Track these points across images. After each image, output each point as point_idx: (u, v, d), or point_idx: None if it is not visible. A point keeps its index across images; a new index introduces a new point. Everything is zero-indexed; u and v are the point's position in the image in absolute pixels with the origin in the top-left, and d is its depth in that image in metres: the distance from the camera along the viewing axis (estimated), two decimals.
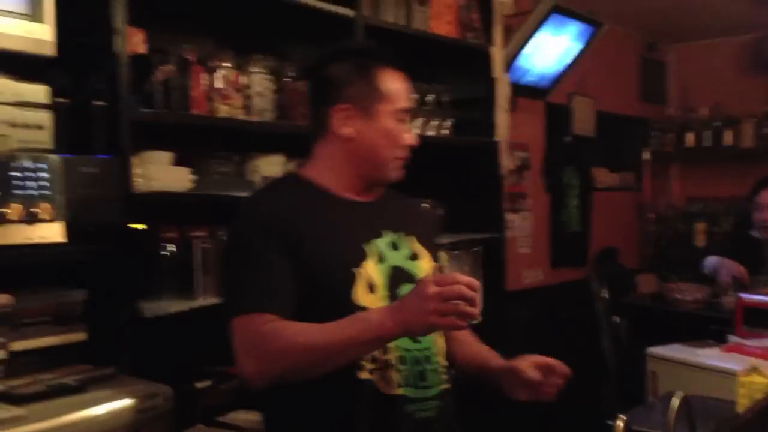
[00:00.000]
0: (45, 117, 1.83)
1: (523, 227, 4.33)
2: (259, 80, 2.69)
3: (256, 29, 2.83)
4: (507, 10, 3.72)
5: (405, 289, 1.60)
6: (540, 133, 4.56)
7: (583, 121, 4.87)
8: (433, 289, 1.34)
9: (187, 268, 2.39)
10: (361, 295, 1.55)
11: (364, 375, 1.53)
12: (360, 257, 1.59)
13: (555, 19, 4.14)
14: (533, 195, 4.43)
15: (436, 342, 1.67)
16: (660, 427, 1.77)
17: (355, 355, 1.46)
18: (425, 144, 3.18)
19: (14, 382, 1.67)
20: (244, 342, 1.48)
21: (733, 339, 3.40)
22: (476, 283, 1.36)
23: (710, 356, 3.28)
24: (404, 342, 1.56)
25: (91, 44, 2.07)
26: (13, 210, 1.66)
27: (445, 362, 1.69)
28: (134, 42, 2.29)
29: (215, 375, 2.50)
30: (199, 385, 2.44)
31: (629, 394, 3.74)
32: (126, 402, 1.66)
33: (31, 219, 1.69)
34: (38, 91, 1.86)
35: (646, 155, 5.39)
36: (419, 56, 3.36)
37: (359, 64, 1.68)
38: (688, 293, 4.16)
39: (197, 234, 2.45)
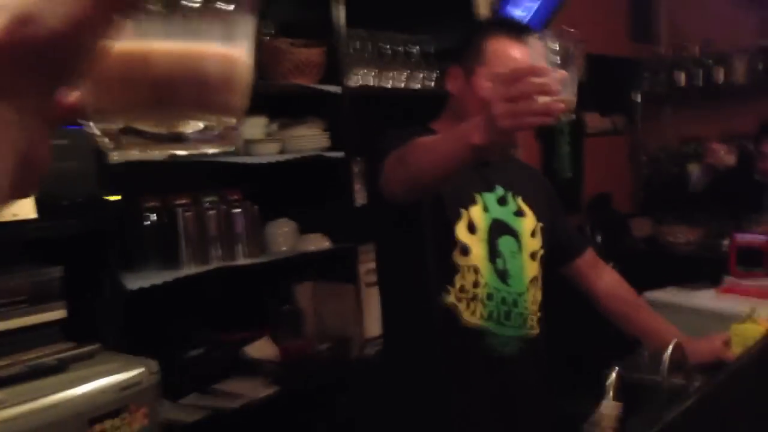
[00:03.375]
0: None
1: None
2: None
3: None
4: None
5: (503, 239, 1.75)
6: None
7: None
8: (494, 92, 1.25)
9: (171, 238, 2.35)
10: (462, 231, 1.69)
11: (449, 299, 1.67)
12: (469, 201, 1.72)
13: None
14: (523, 143, 4.36)
15: (529, 289, 1.77)
16: (654, 374, 1.76)
17: (453, 160, 1.40)
18: (410, 96, 3.16)
19: None
20: (393, 162, 1.54)
21: (729, 280, 3.39)
22: (542, 69, 1.21)
23: (706, 298, 3.27)
24: (494, 281, 1.71)
25: None
26: None
27: (536, 310, 1.79)
28: None
29: (207, 343, 2.48)
30: (192, 353, 2.42)
31: (625, 339, 3.73)
32: (109, 379, 1.63)
33: None
34: None
35: (637, 97, 5.31)
36: (401, 7, 3.28)
37: (477, 30, 1.83)
38: (681, 236, 4.13)
39: (180, 202, 2.40)
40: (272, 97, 2.70)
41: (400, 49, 3.16)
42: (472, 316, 1.69)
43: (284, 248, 2.67)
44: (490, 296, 1.71)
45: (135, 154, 0.40)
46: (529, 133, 4.45)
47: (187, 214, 2.38)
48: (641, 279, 3.82)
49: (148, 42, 0.37)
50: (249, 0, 0.40)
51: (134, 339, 2.02)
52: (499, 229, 1.76)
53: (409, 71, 3.17)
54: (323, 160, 2.72)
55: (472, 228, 1.72)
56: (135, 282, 2.12)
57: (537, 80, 1.19)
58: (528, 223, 1.83)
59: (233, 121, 0.40)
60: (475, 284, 1.70)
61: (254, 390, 2.32)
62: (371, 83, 3.03)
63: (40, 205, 1.72)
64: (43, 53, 0.31)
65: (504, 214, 1.79)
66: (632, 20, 5.38)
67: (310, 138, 2.71)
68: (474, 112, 1.71)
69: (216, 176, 2.54)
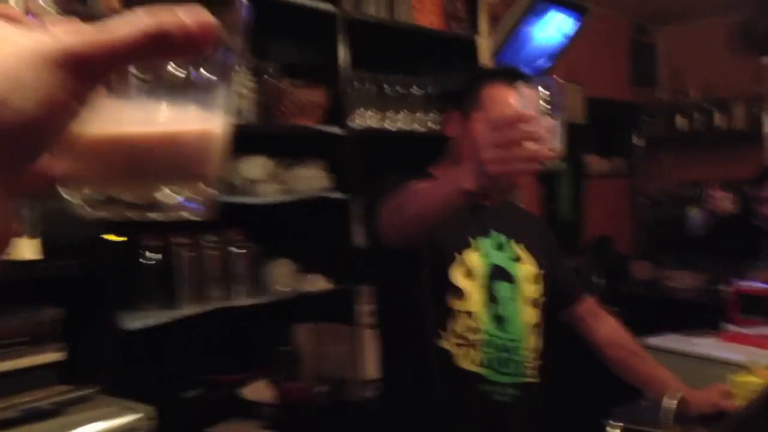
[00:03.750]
0: None
1: None
2: (240, 80, 2.63)
3: None
4: None
5: (501, 285, 1.75)
6: None
7: (573, 108, 4.81)
8: (483, 138, 1.25)
9: (169, 278, 2.34)
10: (459, 276, 1.70)
11: (444, 344, 1.67)
12: (464, 245, 1.73)
13: (539, 6, 4.08)
14: (525, 185, 4.38)
15: (527, 336, 1.77)
16: (657, 426, 1.74)
17: (444, 205, 1.41)
18: (410, 137, 3.17)
19: None
20: (390, 208, 1.56)
21: (729, 327, 3.37)
22: (530, 116, 1.22)
23: (706, 345, 3.25)
24: (492, 329, 1.70)
25: None
26: None
27: (535, 358, 1.79)
28: None
29: (205, 384, 2.45)
30: (189, 394, 2.40)
31: (626, 384, 3.70)
32: (105, 424, 1.60)
33: None
34: None
35: (638, 140, 5.34)
36: (404, 49, 3.31)
37: (476, 77, 1.88)
38: (682, 281, 4.12)
39: (180, 241, 2.39)
40: (274, 138, 2.71)
41: (403, 91, 3.18)
42: (469, 362, 1.68)
43: (284, 289, 2.65)
44: (487, 343, 1.70)
45: (110, 216, 0.40)
46: (530, 176, 4.47)
47: (187, 253, 2.37)
48: (641, 323, 3.81)
49: (122, 120, 0.37)
50: (226, 71, 0.39)
51: (132, 380, 2.01)
52: (496, 275, 1.76)
53: (411, 113, 3.18)
54: (324, 201, 2.72)
55: (469, 273, 1.72)
56: (133, 322, 2.11)
57: (526, 127, 1.20)
58: (527, 269, 1.83)
59: (208, 189, 0.41)
60: (472, 330, 1.69)
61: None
62: (374, 125, 3.04)
63: (44, 246, 1.72)
64: (13, 135, 0.31)
65: (502, 259, 1.79)
66: (633, 65, 5.43)
67: (311, 179, 2.72)
68: (470, 157, 1.74)
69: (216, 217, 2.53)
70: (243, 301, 2.49)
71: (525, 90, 1.30)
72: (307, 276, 2.73)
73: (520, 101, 1.30)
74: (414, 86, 3.23)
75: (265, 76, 2.73)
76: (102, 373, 1.98)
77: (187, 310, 2.32)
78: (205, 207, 0.41)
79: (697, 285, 4.08)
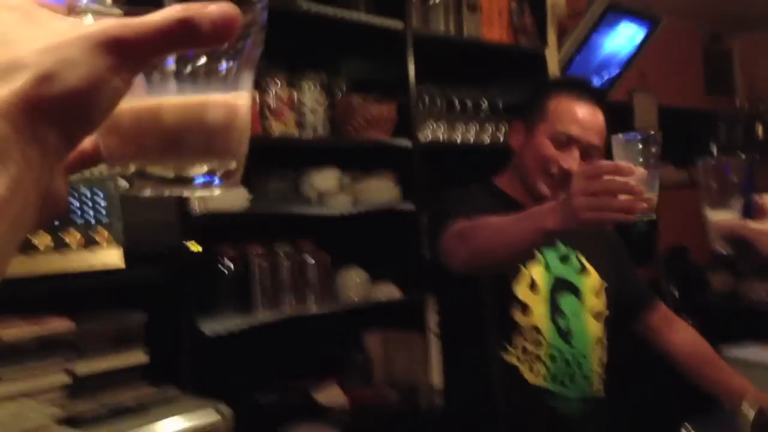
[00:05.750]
0: None
1: None
2: (312, 96, 2.73)
3: (308, 45, 2.86)
4: (560, 11, 3.68)
5: (565, 298, 1.75)
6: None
7: (645, 118, 4.77)
8: (576, 185, 1.26)
9: (245, 286, 2.44)
10: (522, 289, 1.69)
11: (511, 359, 1.67)
12: (529, 258, 1.71)
13: (610, 17, 4.06)
14: None
15: (593, 350, 1.75)
16: None
17: (522, 242, 1.41)
18: (478, 149, 3.22)
19: (77, 406, 1.72)
20: (453, 237, 1.56)
21: None
22: (627, 168, 1.23)
23: None
24: (557, 341, 1.69)
25: None
26: (73, 237, 1.72)
27: (601, 373, 1.77)
28: None
29: (279, 389, 2.54)
30: (264, 399, 2.48)
31: (702, 397, 3.63)
32: (186, 422, 1.70)
33: (90, 245, 1.75)
34: None
35: (713, 149, 5.24)
36: (472, 63, 3.36)
37: (541, 88, 1.90)
38: (762, 291, 4.03)
39: (255, 251, 2.49)
40: (345, 151, 2.80)
41: (470, 103, 3.23)
42: (535, 377, 1.68)
43: (355, 297, 2.73)
44: (552, 357, 1.69)
45: (148, 192, 0.43)
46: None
47: (262, 263, 2.47)
48: (719, 334, 3.74)
49: (157, 97, 0.41)
50: (250, 59, 0.43)
51: (211, 382, 2.10)
52: (561, 288, 1.75)
53: (478, 125, 3.23)
54: (394, 212, 2.79)
55: (533, 286, 1.71)
56: (212, 328, 2.21)
57: (620, 179, 1.22)
58: (592, 281, 1.81)
59: (234, 164, 0.44)
60: (537, 344, 1.68)
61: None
62: (441, 137, 3.10)
63: (126, 254, 1.83)
64: (63, 107, 0.34)
65: (566, 272, 1.78)
66: (707, 73, 5.34)
67: (381, 190, 2.79)
68: (531, 167, 1.76)
69: (290, 227, 2.63)
70: (315, 309, 2.57)
71: (619, 139, 1.31)
72: (377, 285, 2.79)
73: (616, 151, 1.31)
74: (482, 99, 3.28)
75: (337, 92, 2.83)
76: (183, 376, 2.08)
77: (263, 317, 2.42)
78: (231, 181, 0.44)
79: None
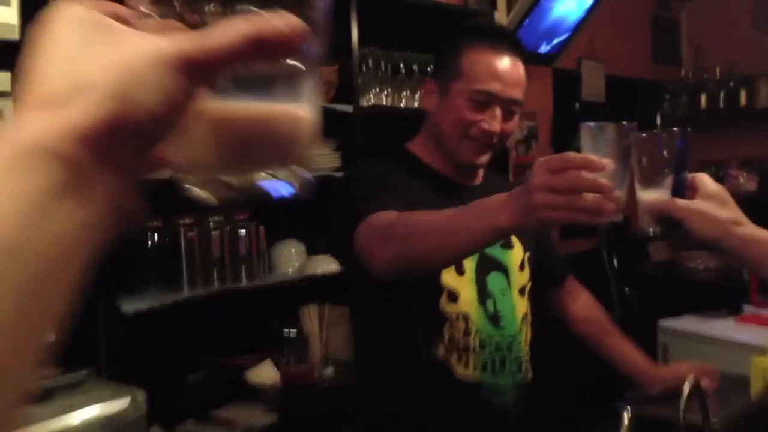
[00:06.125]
0: (10, 107, 1.72)
1: None
2: None
3: (240, 3, 2.70)
4: None
5: (493, 276, 1.61)
6: (548, 101, 4.41)
7: (593, 86, 4.70)
8: (538, 178, 1.06)
9: (172, 259, 2.30)
10: (448, 275, 1.55)
11: (440, 354, 1.53)
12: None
13: None
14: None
15: (522, 330, 1.64)
16: (670, 411, 1.68)
17: (469, 244, 1.25)
18: (422, 115, 3.10)
19: None
20: (374, 234, 1.35)
21: (748, 308, 3.30)
22: (599, 163, 1.05)
23: (725, 327, 3.18)
24: (486, 326, 1.57)
25: None
26: None
27: (528, 350, 1.67)
28: None
29: (208, 367, 2.42)
30: (191, 378, 2.37)
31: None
32: (94, 410, 1.56)
33: None
34: (2, 79, 1.76)
35: (658, 119, 5.22)
36: (418, 25, 3.22)
37: (453, 40, 1.66)
38: (701, 261, 4.04)
39: (183, 221, 2.35)
40: None
41: (416, 68, 3.10)
42: (465, 369, 1.55)
43: (291, 270, 2.61)
44: (482, 344, 1.56)
45: (217, 199, 0.44)
46: (549, 155, 4.36)
47: (191, 234, 2.33)
48: (659, 305, 3.76)
49: (227, 108, 0.41)
50: (314, 62, 0.44)
51: (132, 365, 1.97)
52: (487, 267, 1.61)
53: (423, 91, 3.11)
54: (333, 181, 2.66)
55: (459, 269, 1.56)
56: (132, 305, 2.07)
57: (589, 175, 1.04)
58: (516, 255, 1.68)
59: (303, 169, 0.45)
60: (466, 332, 1.55)
61: (253, 417, 2.26)
62: (384, 102, 2.97)
63: None
64: (137, 127, 0.35)
65: (491, 248, 1.60)
66: (655, 41, 5.30)
67: (320, 158, 2.66)
68: (449, 132, 1.61)
69: None
70: (248, 283, 2.45)
71: (588, 129, 1.13)
72: (314, 258, 2.68)
73: (584, 142, 1.13)
74: (425, 63, 3.15)
75: None
76: (99, 357, 1.95)
77: (191, 292, 2.28)
78: (301, 186, 0.45)
79: (717, 266, 4.00)
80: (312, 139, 0.45)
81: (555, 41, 4.26)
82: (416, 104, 3.08)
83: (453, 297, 1.54)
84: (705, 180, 1.19)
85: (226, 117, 0.41)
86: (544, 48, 4.24)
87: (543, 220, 1.09)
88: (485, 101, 1.57)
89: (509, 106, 1.60)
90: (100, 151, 0.35)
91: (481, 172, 1.75)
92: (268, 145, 0.43)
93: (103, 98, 0.34)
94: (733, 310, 3.34)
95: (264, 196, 0.44)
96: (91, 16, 0.38)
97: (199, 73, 0.37)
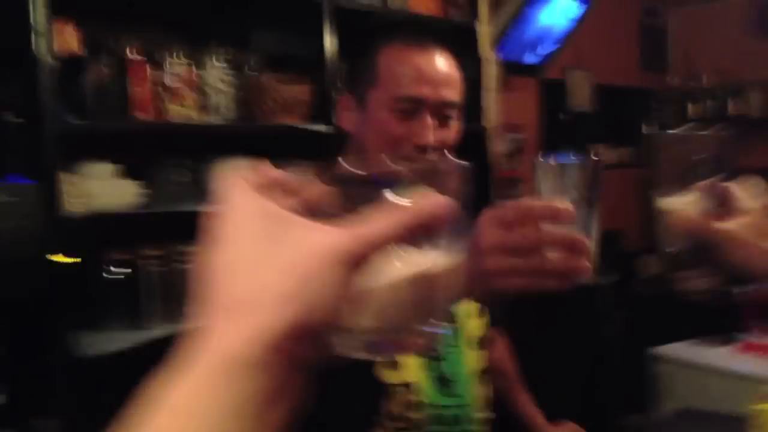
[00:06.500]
0: None
1: None
2: (217, 75, 2.41)
3: (213, 17, 2.54)
4: None
5: None
6: (534, 113, 4.28)
7: (580, 96, 4.58)
8: (488, 236, 0.83)
9: (135, 296, 2.13)
10: None
11: None
12: None
13: None
14: (529, 179, 4.15)
15: (476, 387, 1.34)
16: None
17: None
18: None
19: None
20: None
21: (745, 336, 3.16)
22: (565, 211, 0.80)
23: (721, 356, 3.04)
24: (436, 397, 1.25)
25: (4, 48, 1.78)
26: None
27: (490, 415, 1.37)
28: (65, 39, 2.00)
29: None
30: None
31: (634, 391, 3.52)
32: None
33: None
34: None
35: (648, 129, 5.11)
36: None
37: (365, 41, 1.35)
38: (694, 282, 3.91)
39: (148, 254, 2.18)
40: (255, 138, 2.50)
41: None
42: None
43: None
44: (437, 419, 1.25)
45: (368, 357, 0.46)
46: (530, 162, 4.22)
47: (154, 268, 2.16)
48: (651, 328, 3.62)
49: (383, 281, 0.43)
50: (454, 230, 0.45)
51: (94, 414, 1.81)
52: None
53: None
54: None
55: None
56: (91, 347, 1.90)
57: (554, 228, 0.81)
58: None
59: (443, 325, 0.46)
60: (412, 406, 1.22)
61: None
62: None
63: None
64: (316, 326, 0.38)
65: None
66: (643, 49, 5.18)
67: None
68: (376, 147, 1.29)
69: (190, 227, 2.33)
70: None
71: (553, 162, 0.86)
72: None
73: (543, 182, 0.85)
74: None
75: (246, 70, 2.51)
76: (57, 407, 1.78)
77: (157, 331, 2.12)
78: (433, 340, 0.46)
79: (711, 286, 3.87)
80: (453, 293, 0.46)
81: (541, 52, 4.12)
82: None
83: (394, 363, 1.22)
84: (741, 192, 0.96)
85: (377, 287, 0.43)
86: (529, 59, 4.11)
87: (497, 290, 0.85)
88: (412, 110, 1.27)
89: (443, 111, 1.30)
90: (286, 354, 0.37)
91: None
92: (420, 299, 0.44)
93: (285, 305, 0.37)
94: (729, 337, 3.21)
95: (410, 350, 0.46)
96: (265, 208, 0.41)
97: (363, 263, 0.39)
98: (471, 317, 1.37)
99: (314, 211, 0.43)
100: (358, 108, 1.30)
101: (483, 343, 1.38)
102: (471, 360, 1.34)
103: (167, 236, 2.27)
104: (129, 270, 2.14)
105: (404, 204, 0.40)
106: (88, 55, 2.02)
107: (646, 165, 5.12)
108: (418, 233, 0.40)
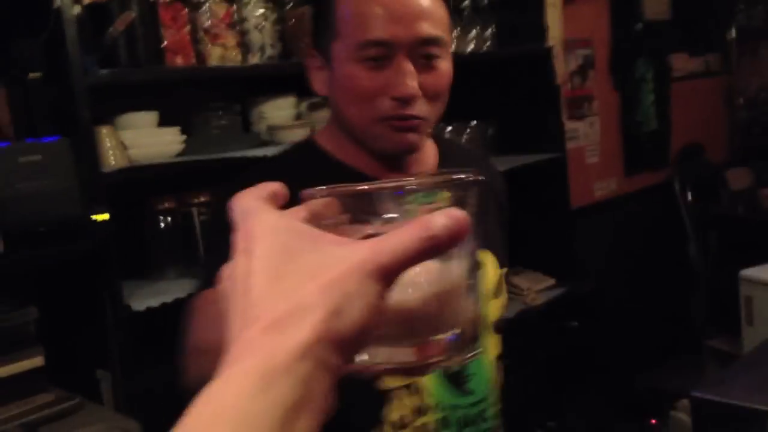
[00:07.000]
0: None
1: (589, 135, 3.84)
2: (255, 9, 2.32)
3: None
4: None
5: None
6: (605, 24, 4.01)
7: (655, 2, 4.28)
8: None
9: (187, 243, 2.10)
10: None
11: None
12: None
13: None
14: (600, 96, 3.92)
15: (493, 376, 1.21)
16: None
17: None
18: (462, 61, 2.80)
19: None
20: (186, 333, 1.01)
21: None
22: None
23: None
24: (447, 397, 1.13)
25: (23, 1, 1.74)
26: None
27: (500, 403, 1.24)
28: None
29: None
30: None
31: (722, 311, 3.36)
32: None
33: None
34: None
35: (732, 33, 4.76)
36: None
37: None
38: None
39: (196, 201, 2.14)
40: (299, 77, 2.40)
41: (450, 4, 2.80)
42: None
43: None
44: (446, 422, 1.13)
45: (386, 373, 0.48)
46: (607, 84, 4.00)
47: (205, 216, 2.13)
48: (739, 248, 3.42)
49: (406, 296, 0.44)
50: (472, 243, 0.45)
51: (146, 371, 1.81)
52: None
53: (459, 30, 2.80)
54: None
55: None
56: (146, 299, 1.89)
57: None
58: (489, 278, 1.21)
59: (462, 331, 0.46)
60: (417, 410, 1.11)
61: None
62: None
63: (5, 237, 1.49)
64: (346, 338, 0.39)
65: None
66: None
67: None
68: (352, 115, 1.13)
69: (236, 172, 2.28)
70: None
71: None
72: None
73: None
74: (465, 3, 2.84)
75: (286, 4, 2.40)
76: (111, 363, 1.78)
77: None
78: (467, 349, 0.47)
79: None
80: (474, 309, 0.47)
81: None
82: (451, 49, 2.78)
83: None
84: None
85: (406, 307, 0.44)
86: None
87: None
88: (382, 56, 1.08)
89: (423, 51, 1.09)
90: (318, 362, 0.38)
91: (424, 156, 1.24)
92: (439, 315, 0.45)
93: (319, 319, 0.38)
94: None
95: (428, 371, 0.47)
96: (288, 224, 0.42)
97: (390, 276, 0.40)
98: (493, 293, 1.23)
99: (330, 226, 0.44)
100: (327, 67, 1.13)
101: (498, 327, 1.24)
102: (491, 347, 1.22)
103: (213, 183, 2.23)
104: (178, 218, 2.11)
105: (428, 218, 0.41)
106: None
107: (730, 72, 4.80)
108: (440, 248, 0.41)
